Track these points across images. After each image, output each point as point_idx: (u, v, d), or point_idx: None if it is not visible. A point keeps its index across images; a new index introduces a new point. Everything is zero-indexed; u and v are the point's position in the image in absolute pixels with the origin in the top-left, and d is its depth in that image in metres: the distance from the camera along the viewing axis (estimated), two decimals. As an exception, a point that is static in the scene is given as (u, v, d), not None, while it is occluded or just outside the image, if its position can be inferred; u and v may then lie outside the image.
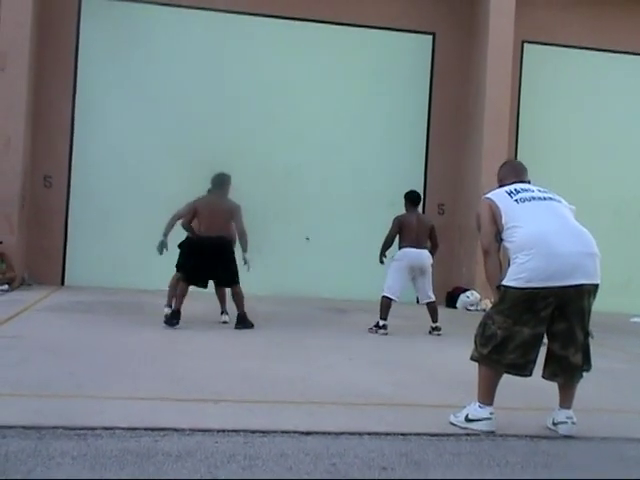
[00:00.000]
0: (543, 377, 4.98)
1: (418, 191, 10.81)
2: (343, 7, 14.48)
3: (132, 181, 13.69)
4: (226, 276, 9.14)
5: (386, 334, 9.35)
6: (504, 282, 4.84)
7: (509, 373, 4.86)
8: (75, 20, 13.69)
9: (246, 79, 14.21)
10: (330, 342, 8.68)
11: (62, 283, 13.57)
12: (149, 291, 10.04)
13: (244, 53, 14.20)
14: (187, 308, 9.19)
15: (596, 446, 4.78)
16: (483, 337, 4.88)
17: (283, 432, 4.52)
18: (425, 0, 14.82)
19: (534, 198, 4.94)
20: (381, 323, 9.49)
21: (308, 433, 4.53)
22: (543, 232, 4.77)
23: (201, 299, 10.13)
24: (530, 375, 4.87)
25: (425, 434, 4.69)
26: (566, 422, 4.86)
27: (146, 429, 4.38)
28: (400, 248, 9.76)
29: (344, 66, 14.62)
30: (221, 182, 9.36)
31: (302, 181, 14.40)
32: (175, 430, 4.40)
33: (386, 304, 9.58)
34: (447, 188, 14.77)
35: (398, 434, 4.67)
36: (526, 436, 4.80)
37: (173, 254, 9.50)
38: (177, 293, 9.06)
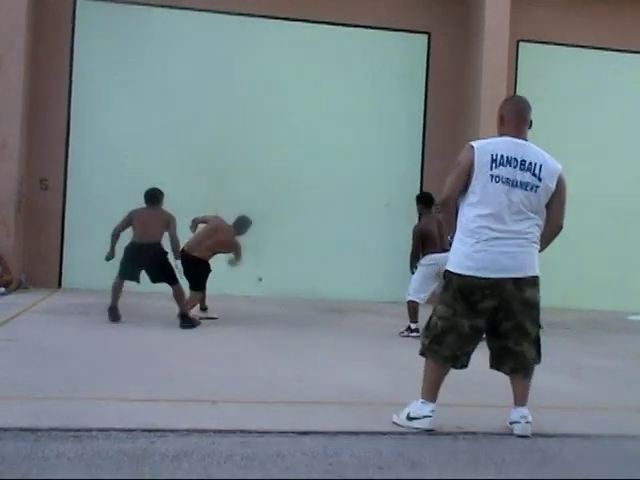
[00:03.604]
0: (502, 372, 4.94)
1: (429, 192, 10.52)
2: (337, 7, 14.46)
3: (129, 183, 13.61)
4: (165, 276, 9.40)
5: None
6: (447, 266, 4.90)
7: (446, 365, 4.83)
8: (70, 22, 13.66)
9: (242, 80, 14.18)
10: (327, 342, 8.68)
11: (59, 286, 13.56)
12: (144, 293, 10.02)
13: (239, 54, 14.17)
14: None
15: (592, 444, 4.78)
16: (427, 329, 4.93)
17: (280, 432, 4.52)
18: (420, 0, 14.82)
19: (508, 181, 4.72)
20: (413, 326, 9.36)
21: (305, 433, 4.53)
22: (493, 222, 4.71)
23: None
24: (466, 367, 4.87)
25: (422, 433, 4.69)
26: (519, 422, 4.80)
27: (142, 430, 4.38)
28: (425, 255, 9.55)
29: (339, 66, 14.59)
30: (151, 196, 9.80)
31: (299, 181, 14.37)
32: (172, 431, 4.40)
33: (414, 308, 9.51)
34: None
35: (395, 433, 4.67)
36: (522, 434, 4.79)
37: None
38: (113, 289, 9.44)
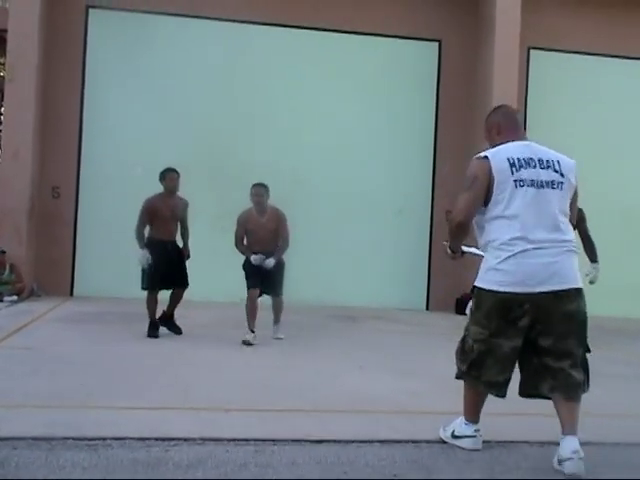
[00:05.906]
0: (541, 396, 4.50)
1: None
2: (349, 15, 14.48)
3: (140, 191, 13.62)
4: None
5: None
6: (477, 283, 4.48)
7: (488, 392, 4.52)
8: (82, 31, 13.72)
9: (252, 86, 14.21)
10: (340, 350, 8.66)
11: (71, 294, 13.58)
12: (158, 301, 10.03)
13: (250, 60, 14.20)
14: (195, 318, 9.21)
15: (608, 452, 4.75)
16: (462, 352, 4.55)
17: (294, 440, 4.51)
18: (431, 7, 14.82)
19: (534, 183, 4.35)
20: None
21: (319, 441, 4.52)
22: (527, 232, 4.31)
23: (210, 309, 10.14)
24: (505, 396, 4.48)
25: (436, 441, 4.67)
26: (572, 458, 4.16)
27: (157, 439, 4.37)
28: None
29: (351, 74, 14.60)
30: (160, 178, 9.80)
31: (311, 189, 14.36)
32: (185, 440, 4.39)
33: None
34: (455, 194, 14.69)
35: (409, 441, 4.65)
36: (537, 442, 4.77)
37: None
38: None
